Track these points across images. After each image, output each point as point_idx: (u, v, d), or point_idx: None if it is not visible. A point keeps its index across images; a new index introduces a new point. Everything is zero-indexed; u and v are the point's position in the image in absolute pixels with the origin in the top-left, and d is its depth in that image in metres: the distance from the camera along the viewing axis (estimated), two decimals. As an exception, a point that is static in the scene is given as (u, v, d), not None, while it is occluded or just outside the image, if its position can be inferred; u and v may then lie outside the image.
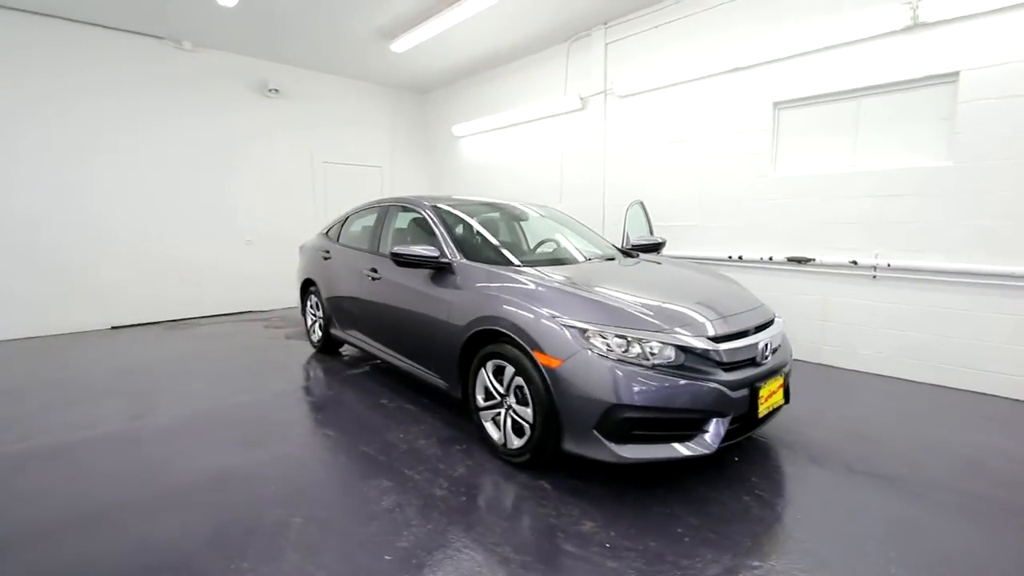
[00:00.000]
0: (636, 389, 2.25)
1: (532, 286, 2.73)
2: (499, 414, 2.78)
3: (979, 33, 3.54)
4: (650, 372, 2.28)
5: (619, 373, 2.27)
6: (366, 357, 4.81)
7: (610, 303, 2.51)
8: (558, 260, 3.39)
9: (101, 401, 3.72)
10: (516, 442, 2.67)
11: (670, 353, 2.33)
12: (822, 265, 4.41)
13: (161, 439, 3.10)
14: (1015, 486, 2.53)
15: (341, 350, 5.03)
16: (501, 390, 2.73)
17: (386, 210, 4.17)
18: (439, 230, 3.46)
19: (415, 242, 3.84)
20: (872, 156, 4.15)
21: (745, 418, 2.44)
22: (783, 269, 4.62)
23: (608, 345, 2.33)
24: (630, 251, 4.01)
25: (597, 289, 2.67)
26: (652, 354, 2.32)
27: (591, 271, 3.13)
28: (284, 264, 7.24)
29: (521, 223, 4.14)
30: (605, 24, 5.84)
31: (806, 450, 2.90)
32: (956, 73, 3.67)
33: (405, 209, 4.04)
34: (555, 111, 6.52)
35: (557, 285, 2.71)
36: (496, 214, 4.03)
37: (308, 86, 7.55)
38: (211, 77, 6.67)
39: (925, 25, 3.73)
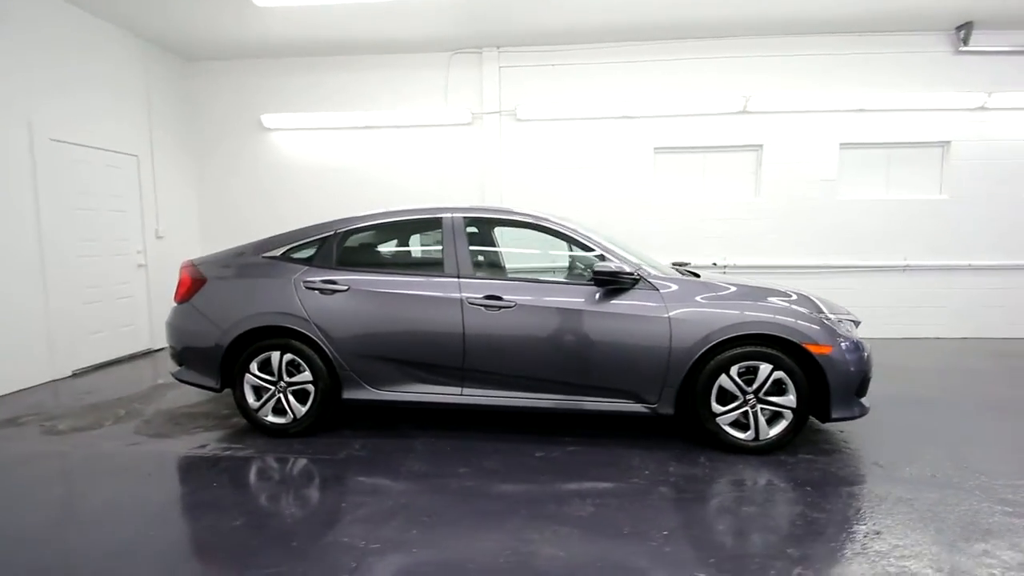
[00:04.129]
0: (869, 358, 3.05)
1: (758, 290, 3.12)
2: (745, 413, 3.00)
3: (775, 123, 5.91)
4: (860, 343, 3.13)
5: (863, 348, 3.01)
6: (372, 427, 3.56)
7: (810, 298, 3.19)
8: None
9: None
10: (773, 431, 2.99)
11: None
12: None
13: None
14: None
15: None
16: (749, 390, 2.97)
17: (453, 222, 3.31)
18: (597, 243, 3.20)
19: (541, 259, 3.49)
20: (716, 192, 6.15)
21: None
22: (669, 272, 6.14)
23: (845, 327, 3.04)
24: None
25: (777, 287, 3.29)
26: (851, 331, 3.16)
27: (721, 274, 3.64)
28: None
29: None
30: (498, 48, 6.03)
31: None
32: (762, 144, 5.98)
33: (491, 221, 3.47)
34: (436, 121, 6.16)
35: (772, 287, 3.18)
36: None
37: (31, 11, 4.37)
38: None
39: (749, 112, 5.90)
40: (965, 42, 5.47)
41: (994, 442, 3.23)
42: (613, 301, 3.07)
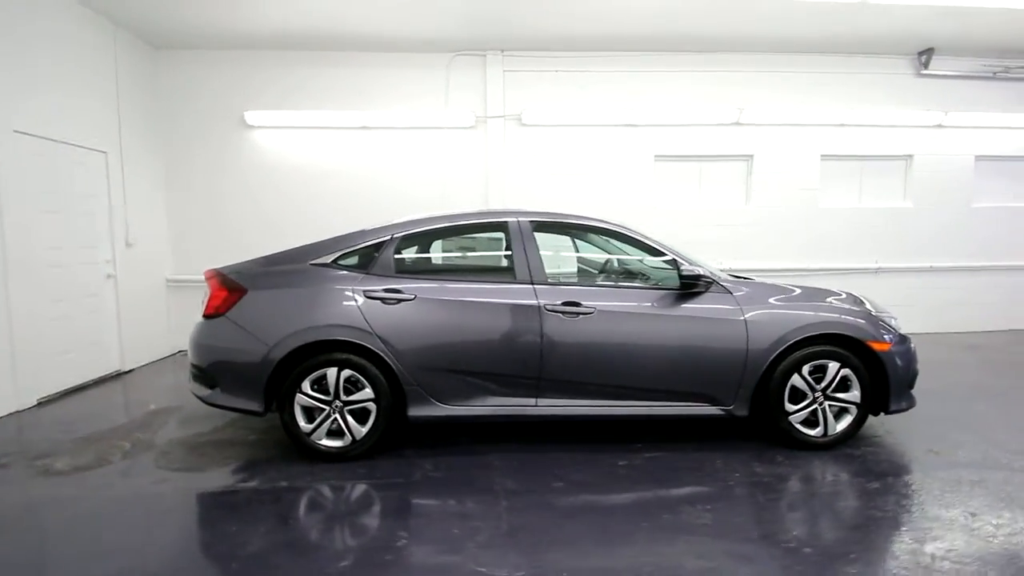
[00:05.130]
0: (915, 352, 3.26)
1: (818, 291, 3.27)
2: (814, 411, 3.11)
3: (764, 134, 6.25)
4: None
5: (910, 342, 3.22)
6: (433, 444, 3.35)
7: (859, 297, 3.37)
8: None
9: None
10: (839, 426, 3.12)
11: None
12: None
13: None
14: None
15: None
16: (818, 388, 3.08)
17: (520, 227, 3.21)
18: (667, 249, 3.21)
19: (618, 264, 3.49)
20: (711, 199, 6.41)
21: None
22: (669, 276, 6.31)
23: (895, 324, 3.23)
24: None
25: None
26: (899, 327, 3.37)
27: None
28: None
29: None
30: (502, 51, 5.94)
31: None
32: (752, 155, 6.31)
33: (558, 226, 3.47)
34: (436, 124, 5.97)
35: (824, 288, 3.33)
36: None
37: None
38: None
39: (741, 124, 6.20)
40: (926, 66, 6.09)
41: (1010, 425, 3.56)
42: (687, 305, 3.09)
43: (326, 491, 2.72)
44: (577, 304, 3.03)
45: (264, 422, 3.62)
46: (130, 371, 5.23)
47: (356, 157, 6.03)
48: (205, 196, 5.94)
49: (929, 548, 2.16)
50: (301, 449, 3.03)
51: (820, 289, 3.33)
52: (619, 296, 3.13)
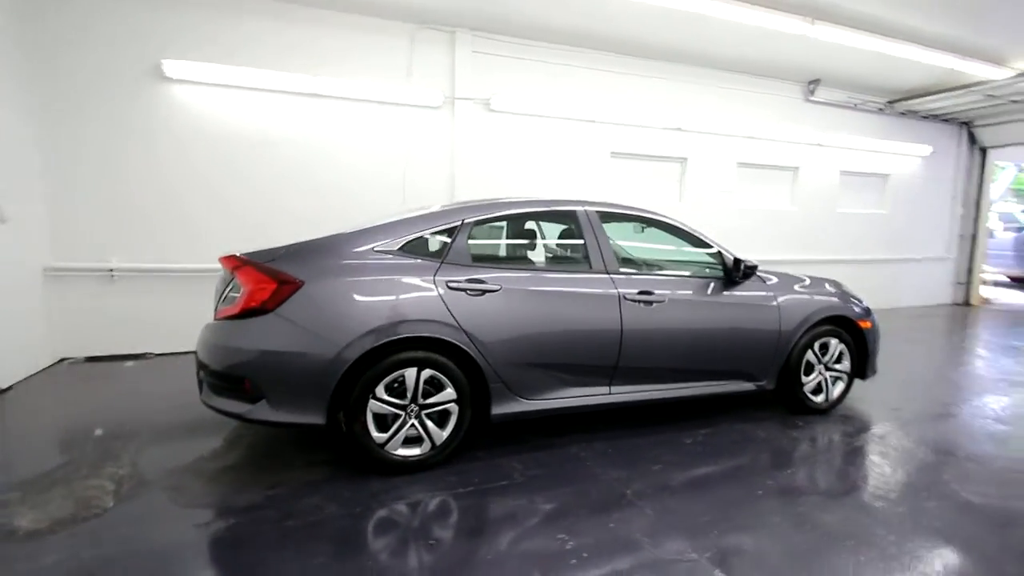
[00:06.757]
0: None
1: (817, 280, 3.81)
2: (820, 382, 3.65)
3: (695, 141, 6.97)
4: None
5: (875, 318, 3.95)
6: (498, 444, 3.18)
7: (839, 283, 4.02)
8: None
9: None
10: (836, 391, 3.72)
11: None
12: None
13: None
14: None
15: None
16: (823, 361, 3.64)
17: (588, 216, 3.20)
18: (713, 241, 3.48)
19: (674, 255, 3.64)
20: (654, 195, 6.97)
21: None
22: (619, 266, 6.71)
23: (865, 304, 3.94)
24: None
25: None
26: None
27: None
28: None
29: None
30: (472, 30, 5.68)
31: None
32: (686, 158, 7.00)
33: (620, 216, 3.51)
34: (400, 100, 5.49)
35: (816, 276, 3.90)
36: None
37: None
38: None
39: (681, 130, 6.83)
40: (812, 93, 7.38)
41: (923, 383, 4.59)
42: (734, 292, 3.40)
43: (433, 505, 2.43)
44: (651, 292, 3.13)
45: (270, 435, 3.08)
46: (9, 388, 3.94)
47: (307, 127, 5.25)
48: (99, 159, 4.64)
49: (957, 482, 2.74)
50: (371, 462, 2.64)
51: (819, 277, 3.91)
52: (681, 284, 3.31)
